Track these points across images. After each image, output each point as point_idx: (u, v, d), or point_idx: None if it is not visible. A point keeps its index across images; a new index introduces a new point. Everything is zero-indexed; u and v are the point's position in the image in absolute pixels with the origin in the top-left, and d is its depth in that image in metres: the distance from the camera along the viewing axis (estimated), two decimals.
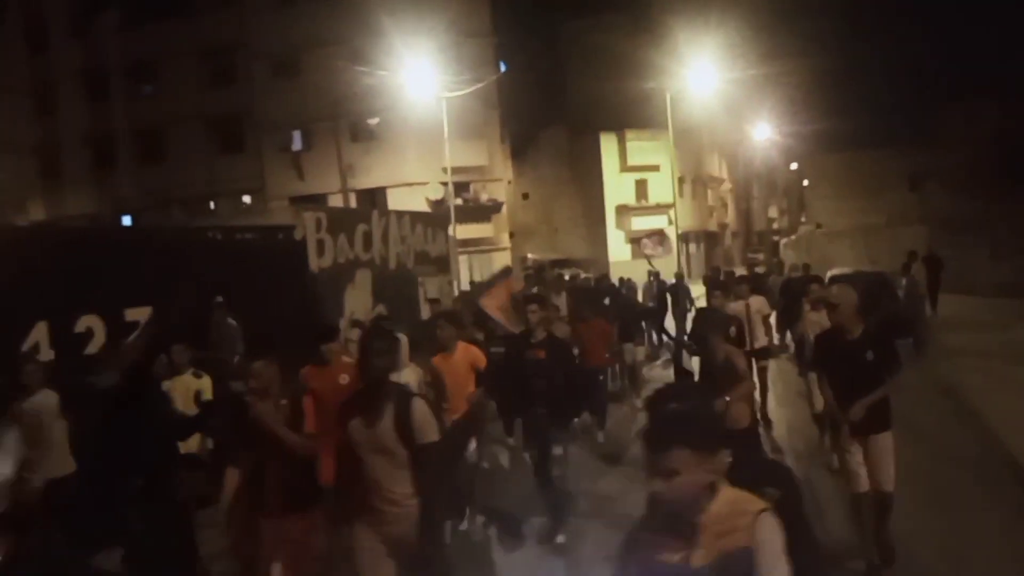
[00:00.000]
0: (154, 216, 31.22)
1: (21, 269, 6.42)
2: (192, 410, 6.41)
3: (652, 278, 16.46)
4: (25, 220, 30.99)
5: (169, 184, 32.03)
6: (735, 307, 9.08)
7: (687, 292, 15.50)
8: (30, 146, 34.84)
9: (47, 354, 6.52)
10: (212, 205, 32.28)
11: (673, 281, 16.26)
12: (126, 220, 32.31)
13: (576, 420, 7.93)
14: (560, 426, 6.30)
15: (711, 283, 12.12)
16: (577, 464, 7.60)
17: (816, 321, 7.46)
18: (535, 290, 16.20)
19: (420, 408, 3.78)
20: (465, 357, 6.51)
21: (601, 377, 10.15)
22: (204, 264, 7.94)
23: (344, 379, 5.68)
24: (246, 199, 32.27)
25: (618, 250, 35.21)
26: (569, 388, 6.26)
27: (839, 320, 4.99)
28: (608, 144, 35.24)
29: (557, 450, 6.22)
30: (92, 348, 6.76)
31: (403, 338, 6.93)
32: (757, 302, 9.33)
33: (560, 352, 6.39)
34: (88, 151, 34.60)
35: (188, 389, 6.73)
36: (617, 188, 35.54)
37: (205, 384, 6.87)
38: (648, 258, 23.13)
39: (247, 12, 31.52)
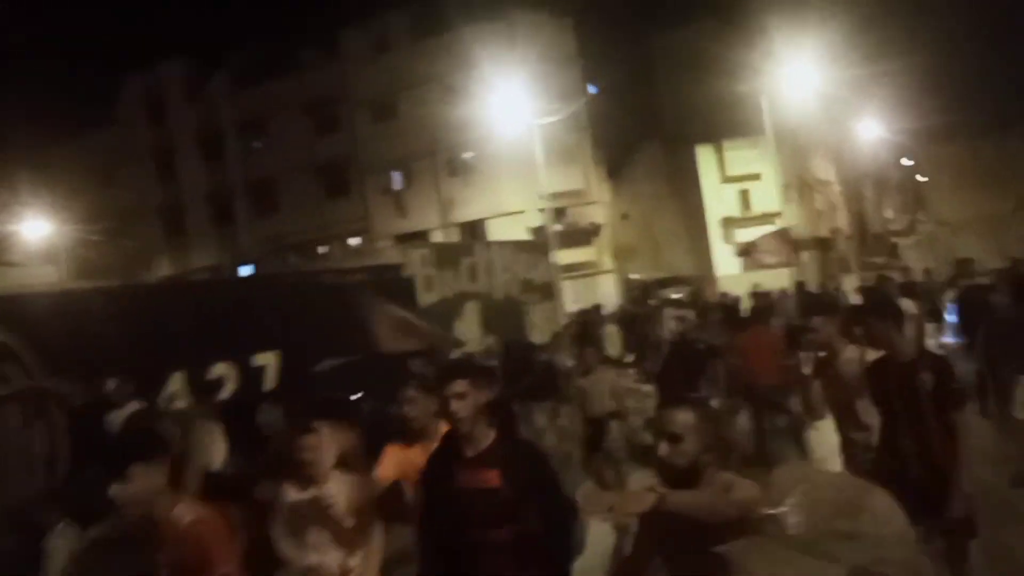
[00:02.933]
0: (270, 264, 32.76)
1: (155, 324, 6.83)
2: None
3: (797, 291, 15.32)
4: (153, 277, 33.13)
5: (282, 232, 33.67)
6: None
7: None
8: (155, 208, 37.43)
9: (185, 402, 6.90)
10: (322, 249, 33.61)
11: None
12: (245, 270, 34.01)
13: None
14: None
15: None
16: None
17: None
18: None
19: None
20: None
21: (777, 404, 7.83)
22: (322, 307, 8.25)
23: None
24: (353, 241, 33.45)
25: (725, 264, 34.32)
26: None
27: None
28: (705, 156, 34.57)
29: None
30: (225, 394, 7.11)
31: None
32: None
33: (531, 468, 3.35)
34: (208, 207, 36.84)
35: None
36: (719, 200, 34.76)
37: None
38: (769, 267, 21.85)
39: (346, 64, 33.09)
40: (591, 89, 31.20)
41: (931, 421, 4.04)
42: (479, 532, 3.28)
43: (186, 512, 3.03)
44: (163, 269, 36.56)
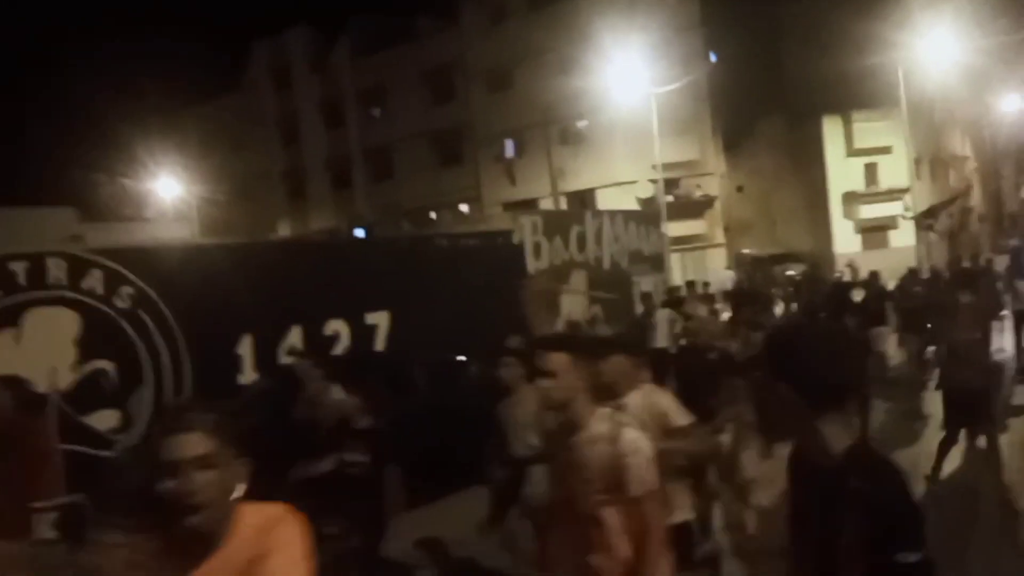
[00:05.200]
0: (384, 228, 33.70)
1: (276, 279, 7.15)
2: None
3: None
4: (275, 237, 34.71)
5: (396, 198, 34.52)
6: None
7: None
8: (279, 172, 39.07)
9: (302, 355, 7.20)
10: (433, 215, 34.24)
11: None
12: (360, 233, 35.13)
13: None
14: None
15: None
16: None
17: None
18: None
19: None
20: None
21: None
22: (433, 269, 8.41)
23: None
24: (463, 208, 33.90)
25: (845, 241, 32.84)
26: None
27: None
28: (832, 128, 32.99)
29: None
30: (338, 349, 7.38)
31: None
32: None
33: None
34: (327, 172, 38.15)
35: None
36: (843, 174, 33.16)
37: None
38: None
39: (463, 33, 33.31)
40: (712, 58, 30.21)
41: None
42: None
43: None
44: (285, 231, 38.21)
